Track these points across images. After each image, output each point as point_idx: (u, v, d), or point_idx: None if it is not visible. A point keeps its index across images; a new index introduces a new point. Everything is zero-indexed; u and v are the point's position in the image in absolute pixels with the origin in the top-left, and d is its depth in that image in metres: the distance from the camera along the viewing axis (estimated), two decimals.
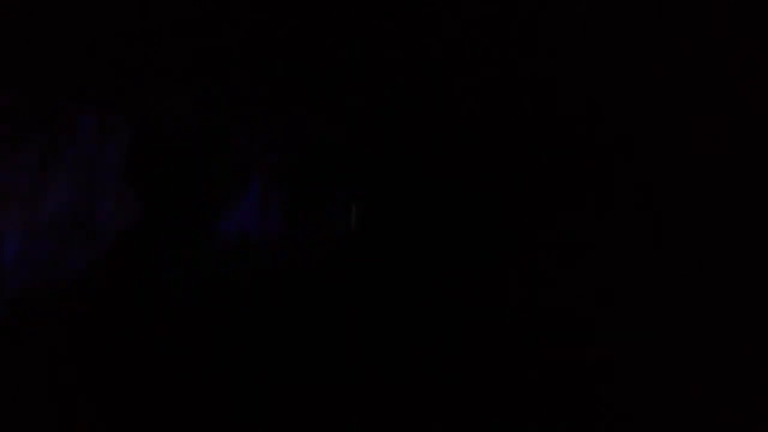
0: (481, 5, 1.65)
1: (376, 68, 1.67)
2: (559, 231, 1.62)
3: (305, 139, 1.67)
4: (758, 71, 1.58)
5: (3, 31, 1.60)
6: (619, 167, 1.62)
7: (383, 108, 1.67)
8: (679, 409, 1.54)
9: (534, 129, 1.64)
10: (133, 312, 1.48)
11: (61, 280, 1.50)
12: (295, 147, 1.67)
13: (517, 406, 1.56)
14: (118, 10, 1.63)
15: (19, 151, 1.59)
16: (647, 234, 1.61)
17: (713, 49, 1.60)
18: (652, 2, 1.62)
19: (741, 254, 1.57)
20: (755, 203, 1.57)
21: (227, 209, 1.61)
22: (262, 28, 1.66)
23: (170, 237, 1.48)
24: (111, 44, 1.65)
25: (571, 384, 1.56)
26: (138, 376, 1.47)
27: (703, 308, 1.57)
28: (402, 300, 1.61)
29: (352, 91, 1.67)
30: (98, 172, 1.61)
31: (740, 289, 1.56)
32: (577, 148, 1.63)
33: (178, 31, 1.65)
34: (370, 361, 1.58)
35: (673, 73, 1.63)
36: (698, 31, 1.60)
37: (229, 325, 1.55)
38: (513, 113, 1.64)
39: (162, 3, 1.62)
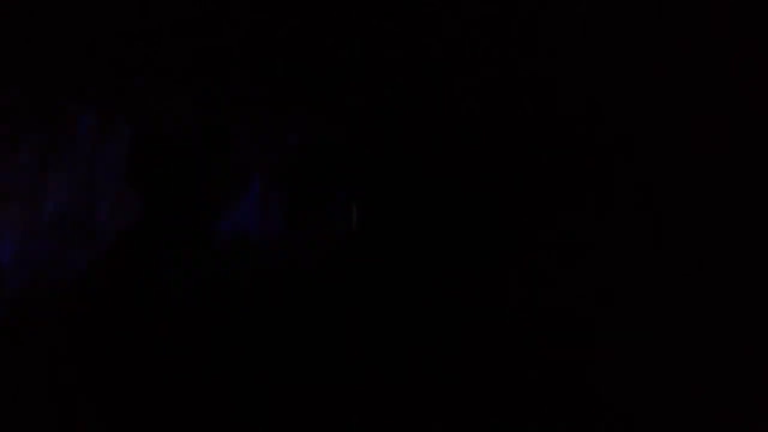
0: (481, 5, 1.65)
1: (376, 68, 1.67)
2: (559, 231, 1.62)
3: (305, 139, 1.67)
4: (758, 71, 1.58)
5: (3, 31, 1.60)
6: (619, 167, 1.62)
7: (383, 108, 1.67)
8: (679, 409, 1.54)
9: (534, 129, 1.64)
10: (133, 312, 1.48)
11: (60, 280, 1.50)
12: (295, 147, 1.67)
13: (517, 406, 1.56)
14: (118, 10, 1.63)
15: (19, 151, 1.59)
16: (647, 234, 1.61)
17: (713, 49, 1.60)
18: (652, 2, 1.62)
19: (741, 254, 1.57)
20: (755, 203, 1.57)
21: (227, 209, 1.61)
22: (262, 28, 1.66)
23: (170, 237, 1.48)
24: (111, 44, 1.65)
25: (571, 384, 1.56)
26: (138, 375, 1.47)
27: (703, 308, 1.57)
28: (402, 300, 1.61)
29: (352, 91, 1.67)
30: (98, 172, 1.61)
31: (740, 289, 1.56)
32: (577, 148, 1.63)
33: (178, 31, 1.65)
34: (370, 361, 1.58)
35: (673, 73, 1.62)
36: (698, 31, 1.60)
37: (229, 325, 1.55)
38: (513, 113, 1.64)
39: (162, 3, 1.62)
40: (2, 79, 1.61)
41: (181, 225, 1.49)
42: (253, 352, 1.55)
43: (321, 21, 1.66)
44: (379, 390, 1.57)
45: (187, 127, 1.52)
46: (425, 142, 1.66)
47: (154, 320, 1.50)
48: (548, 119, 1.64)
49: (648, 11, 1.62)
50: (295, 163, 1.67)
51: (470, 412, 1.56)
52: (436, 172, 1.65)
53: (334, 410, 1.55)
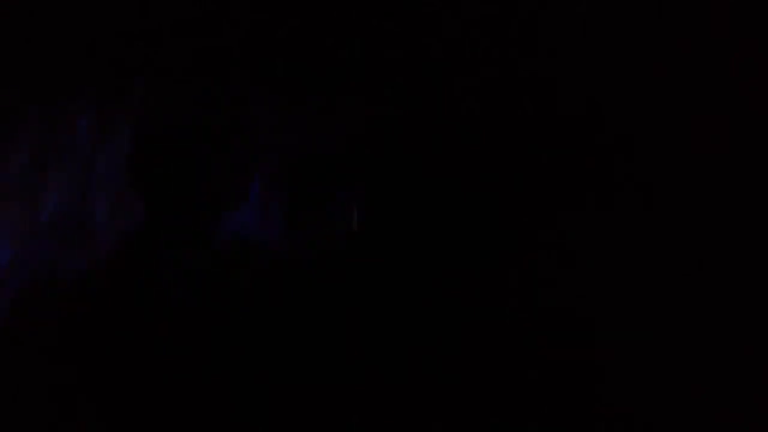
0: (481, 5, 1.64)
1: (376, 68, 1.67)
2: (559, 231, 1.62)
3: (305, 139, 1.67)
4: (758, 71, 1.58)
5: (2, 31, 1.60)
6: (619, 167, 1.62)
7: (383, 108, 1.67)
8: (679, 409, 1.54)
9: (534, 129, 1.64)
10: (133, 312, 1.48)
11: (60, 280, 1.50)
12: (295, 147, 1.67)
13: (517, 406, 1.56)
14: (118, 10, 1.62)
15: (18, 151, 1.59)
16: (647, 234, 1.61)
17: (713, 49, 1.60)
18: (652, 2, 1.62)
19: (741, 254, 1.57)
20: (755, 203, 1.57)
21: (227, 209, 1.61)
22: (262, 28, 1.66)
23: (170, 237, 1.48)
24: (111, 44, 1.65)
25: (571, 384, 1.56)
26: (138, 376, 1.47)
27: (703, 308, 1.57)
28: (402, 300, 1.61)
29: (351, 91, 1.67)
30: (98, 173, 1.61)
31: (740, 289, 1.56)
32: (577, 148, 1.63)
33: (178, 31, 1.65)
34: (369, 361, 1.58)
35: (673, 73, 1.63)
36: (698, 31, 1.60)
37: (229, 325, 1.55)
38: (513, 113, 1.64)
39: (162, 3, 1.62)
40: (1, 79, 1.60)
41: (181, 225, 1.49)
42: (253, 352, 1.55)
43: (321, 21, 1.66)
44: (379, 390, 1.57)
45: (188, 127, 1.52)
46: (425, 142, 1.66)
47: (154, 320, 1.50)
48: (548, 119, 1.64)
49: (648, 11, 1.62)
50: (295, 163, 1.67)
51: (470, 412, 1.56)
52: (435, 172, 1.65)
53: (334, 410, 1.55)
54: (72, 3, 1.60)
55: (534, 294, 1.60)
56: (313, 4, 1.65)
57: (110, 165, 1.59)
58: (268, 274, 1.59)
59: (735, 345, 1.54)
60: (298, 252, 1.64)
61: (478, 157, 1.65)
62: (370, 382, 1.57)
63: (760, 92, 1.58)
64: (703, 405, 1.53)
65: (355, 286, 1.61)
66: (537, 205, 1.63)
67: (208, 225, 1.53)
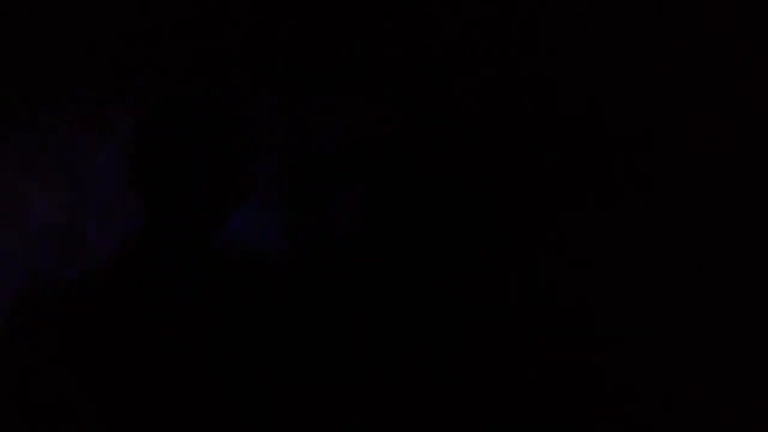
0: (481, 5, 1.65)
1: (376, 68, 1.67)
2: (559, 231, 1.62)
3: (305, 139, 1.67)
4: (758, 71, 1.58)
5: (2, 31, 1.60)
6: (619, 167, 1.62)
7: (383, 108, 1.67)
8: (679, 409, 1.54)
9: (534, 129, 1.64)
10: (133, 312, 1.48)
11: (60, 281, 1.50)
12: (295, 147, 1.67)
13: (517, 406, 1.56)
14: (118, 11, 1.62)
15: (15, 151, 1.59)
16: (647, 234, 1.61)
17: (713, 49, 1.60)
18: (652, 2, 1.62)
19: (741, 254, 1.57)
20: (756, 203, 1.57)
21: (228, 209, 1.61)
22: (262, 28, 1.66)
23: (170, 237, 1.48)
24: (111, 44, 1.65)
25: (571, 384, 1.56)
26: (138, 376, 1.47)
27: (703, 308, 1.57)
28: (402, 300, 1.61)
29: (351, 91, 1.67)
30: (89, 174, 1.61)
31: (740, 289, 1.56)
32: (577, 148, 1.63)
33: (178, 32, 1.65)
34: (369, 361, 1.58)
35: (673, 73, 1.63)
36: (698, 31, 1.60)
37: (229, 325, 1.55)
38: (513, 113, 1.64)
39: (162, 3, 1.62)
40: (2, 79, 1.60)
41: (181, 226, 1.49)
42: (253, 352, 1.55)
43: (321, 21, 1.66)
44: (379, 390, 1.57)
45: (187, 127, 1.52)
46: (425, 142, 1.66)
47: (154, 320, 1.50)
48: (548, 119, 1.64)
49: (648, 11, 1.62)
50: (295, 163, 1.67)
51: (470, 412, 1.56)
52: (436, 172, 1.65)
53: (334, 410, 1.55)
54: (72, 3, 1.60)
55: (534, 294, 1.60)
56: (313, 4, 1.65)
57: (101, 166, 1.59)
58: (268, 274, 1.59)
59: (735, 345, 1.54)
60: (298, 252, 1.64)
61: (478, 157, 1.65)
62: (370, 382, 1.57)
63: (760, 92, 1.58)
64: (703, 405, 1.53)
65: (355, 286, 1.61)
66: (537, 205, 1.63)
67: (207, 225, 1.53)
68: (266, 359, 1.54)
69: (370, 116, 1.66)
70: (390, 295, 1.61)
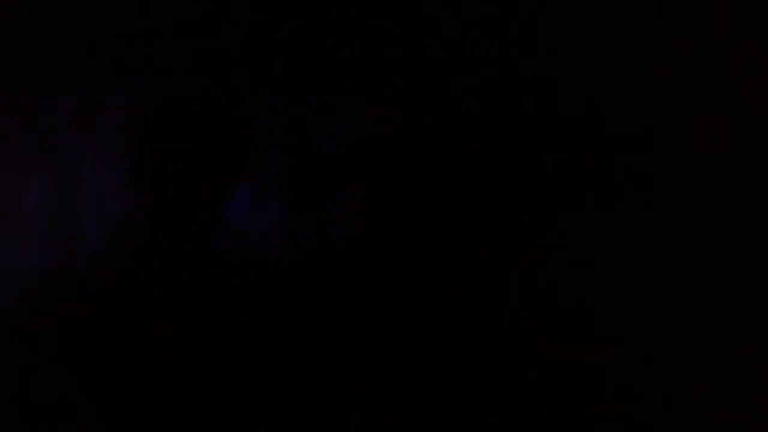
0: (481, 5, 1.65)
1: (376, 68, 1.67)
2: (559, 231, 1.62)
3: (305, 139, 1.67)
4: (758, 71, 1.58)
5: (2, 30, 1.60)
6: (619, 167, 1.62)
7: (383, 108, 1.67)
8: (679, 409, 1.54)
9: (534, 129, 1.64)
10: (133, 312, 1.48)
11: (60, 281, 1.50)
12: (295, 147, 1.67)
13: (517, 406, 1.56)
14: (118, 10, 1.62)
15: (14, 150, 1.59)
16: (647, 234, 1.61)
17: (713, 49, 1.60)
18: (652, 2, 1.62)
19: (741, 254, 1.57)
20: (756, 203, 1.57)
21: (228, 209, 1.61)
22: (262, 28, 1.66)
23: (169, 238, 1.48)
24: (111, 44, 1.65)
25: (571, 384, 1.56)
26: (138, 376, 1.47)
27: (703, 308, 1.57)
28: (402, 300, 1.61)
29: (351, 91, 1.67)
30: (82, 167, 1.60)
31: (740, 289, 1.56)
32: (577, 148, 1.63)
33: (178, 32, 1.65)
34: (369, 361, 1.58)
35: (673, 73, 1.63)
36: (698, 31, 1.60)
37: (229, 326, 1.55)
38: (513, 113, 1.64)
39: (162, 3, 1.62)
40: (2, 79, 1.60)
41: (181, 227, 1.49)
42: (253, 353, 1.55)
43: (321, 21, 1.66)
44: (380, 390, 1.57)
45: (187, 127, 1.52)
46: (425, 142, 1.66)
47: (154, 320, 1.50)
48: (548, 119, 1.64)
49: (648, 11, 1.62)
50: (295, 163, 1.67)
51: (470, 412, 1.56)
52: (436, 172, 1.65)
53: (334, 410, 1.55)
54: (72, 2, 1.60)
55: (534, 294, 1.60)
56: (313, 4, 1.65)
57: (100, 165, 1.59)
58: (267, 274, 1.59)
59: (735, 345, 1.54)
60: (298, 252, 1.65)
61: (479, 157, 1.65)
62: (371, 382, 1.57)
63: (760, 92, 1.58)
64: (703, 405, 1.53)
65: (355, 286, 1.61)
66: (537, 205, 1.63)
67: (207, 226, 1.53)
68: (266, 359, 1.54)
69: (370, 116, 1.66)
70: (390, 295, 1.61)
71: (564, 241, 1.61)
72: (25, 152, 1.58)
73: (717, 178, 1.60)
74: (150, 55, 1.65)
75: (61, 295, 1.48)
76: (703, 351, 1.55)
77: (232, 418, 1.49)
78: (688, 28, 1.61)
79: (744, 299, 1.56)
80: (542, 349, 1.57)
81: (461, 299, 1.61)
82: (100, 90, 1.61)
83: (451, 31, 1.65)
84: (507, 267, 1.61)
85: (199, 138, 1.44)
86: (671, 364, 1.56)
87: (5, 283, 1.57)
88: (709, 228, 1.59)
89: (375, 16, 1.65)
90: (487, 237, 1.63)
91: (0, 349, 1.47)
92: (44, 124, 1.59)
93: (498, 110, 1.65)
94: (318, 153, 1.67)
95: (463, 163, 1.65)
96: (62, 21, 1.61)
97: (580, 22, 1.63)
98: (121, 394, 1.45)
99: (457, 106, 1.66)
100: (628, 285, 1.59)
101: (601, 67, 1.64)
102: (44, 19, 1.61)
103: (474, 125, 1.66)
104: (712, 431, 1.52)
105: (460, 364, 1.58)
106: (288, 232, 1.65)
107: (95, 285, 1.49)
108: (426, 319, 1.60)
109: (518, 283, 1.60)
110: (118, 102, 1.62)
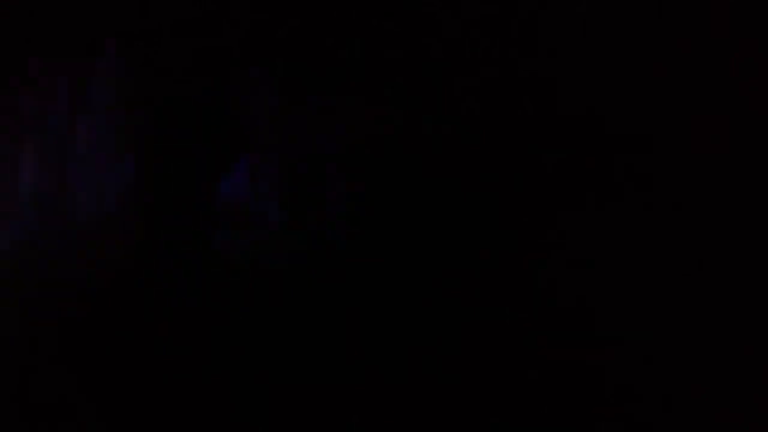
0: (481, 5, 1.64)
1: (376, 68, 1.67)
2: (559, 231, 1.62)
3: (305, 139, 1.67)
4: (758, 71, 1.58)
5: (2, 30, 1.60)
6: (619, 167, 1.62)
7: (383, 108, 1.67)
8: (679, 409, 1.54)
9: (534, 129, 1.64)
10: (133, 312, 1.48)
11: (44, 260, 1.49)
12: (295, 147, 1.67)
13: (518, 406, 1.56)
14: (119, 10, 1.62)
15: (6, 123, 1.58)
16: (647, 234, 1.61)
17: (713, 49, 1.60)
18: (652, 2, 1.62)
19: (741, 254, 1.57)
20: (756, 203, 1.57)
21: (228, 209, 1.61)
22: (262, 28, 1.66)
23: (171, 246, 1.48)
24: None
25: (571, 384, 1.56)
26: (138, 377, 1.47)
27: (703, 308, 1.57)
28: (402, 300, 1.61)
29: (351, 91, 1.67)
30: (77, 146, 1.60)
31: (741, 289, 1.56)
32: (577, 148, 1.63)
33: (178, 32, 1.65)
34: (369, 361, 1.58)
35: (673, 73, 1.63)
36: (698, 31, 1.60)
37: (228, 326, 1.55)
38: (513, 113, 1.64)
39: (162, 3, 1.62)
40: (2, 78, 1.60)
41: (181, 228, 1.49)
42: (253, 353, 1.55)
43: (321, 21, 1.66)
44: (379, 390, 1.57)
45: (187, 127, 1.52)
46: (425, 142, 1.66)
47: (154, 320, 1.50)
48: (548, 119, 1.64)
49: (648, 11, 1.62)
50: (295, 163, 1.67)
51: (470, 412, 1.56)
52: (436, 172, 1.65)
53: (334, 410, 1.55)
54: (72, 2, 1.60)
55: (534, 294, 1.60)
56: (313, 4, 1.65)
57: (89, 140, 1.57)
58: (267, 274, 1.59)
59: (735, 345, 1.54)
60: (298, 252, 1.64)
61: (479, 157, 1.65)
62: (370, 382, 1.57)
63: (760, 92, 1.58)
64: (703, 405, 1.53)
65: (355, 286, 1.61)
66: (537, 205, 1.63)
67: (207, 226, 1.53)
68: (266, 359, 1.54)
69: (370, 116, 1.66)
70: (390, 295, 1.61)
71: (564, 241, 1.61)
72: (17, 131, 1.58)
73: (717, 178, 1.60)
74: (150, 55, 1.65)
75: (61, 295, 1.48)
76: (703, 351, 1.55)
77: (232, 418, 1.49)
78: (688, 28, 1.61)
79: (744, 299, 1.56)
80: (542, 349, 1.57)
81: (461, 299, 1.61)
82: (77, 59, 1.59)
83: (451, 31, 1.65)
84: (507, 267, 1.61)
85: (198, 139, 1.44)
86: (671, 364, 1.56)
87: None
88: (709, 228, 1.59)
89: (375, 16, 1.65)
90: (487, 237, 1.63)
91: (0, 349, 1.47)
92: (37, 103, 1.58)
93: (498, 110, 1.65)
94: (318, 153, 1.67)
95: (463, 163, 1.65)
96: (62, 19, 1.61)
97: (580, 22, 1.63)
98: (121, 394, 1.45)
99: (457, 106, 1.66)
100: (628, 285, 1.59)
101: (601, 67, 1.64)
102: (43, 17, 1.61)
103: (474, 125, 1.65)
104: (712, 431, 1.52)
105: (459, 364, 1.58)
106: (287, 231, 1.65)
107: (95, 285, 1.49)
108: (426, 319, 1.60)
109: (518, 283, 1.60)
110: (109, 75, 1.61)
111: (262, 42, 1.67)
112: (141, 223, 1.50)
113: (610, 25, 1.64)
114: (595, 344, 1.58)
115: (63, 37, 1.58)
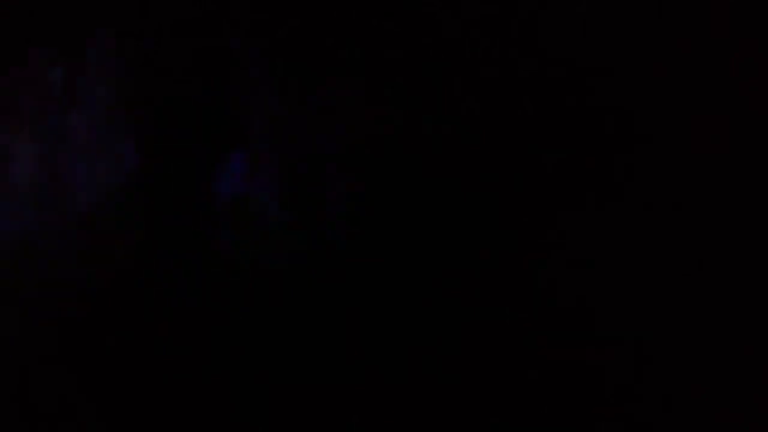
0: (481, 5, 1.64)
1: (376, 68, 1.67)
2: (559, 231, 1.62)
3: (305, 139, 1.67)
4: (758, 71, 1.58)
5: (2, 31, 1.60)
6: (619, 167, 1.62)
7: (383, 108, 1.67)
8: (680, 409, 1.54)
9: (534, 129, 1.64)
10: (133, 312, 1.48)
11: (39, 243, 1.49)
12: (295, 147, 1.67)
13: (518, 406, 1.56)
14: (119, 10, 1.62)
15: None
16: (647, 234, 1.61)
17: (713, 49, 1.60)
18: (652, 2, 1.62)
19: (741, 254, 1.57)
20: (756, 203, 1.57)
21: (228, 209, 1.61)
22: (262, 28, 1.66)
23: (172, 247, 1.48)
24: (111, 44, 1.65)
25: (571, 384, 1.56)
26: (137, 377, 1.47)
27: (703, 308, 1.57)
28: (402, 300, 1.61)
29: (351, 91, 1.67)
30: (73, 131, 1.59)
31: (740, 289, 1.56)
32: (577, 148, 1.63)
33: (178, 32, 1.65)
34: (369, 360, 1.58)
35: (673, 73, 1.63)
36: (698, 31, 1.60)
37: (229, 327, 1.55)
38: (513, 113, 1.64)
39: (162, 3, 1.62)
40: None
41: (181, 230, 1.49)
42: (253, 353, 1.55)
43: (321, 21, 1.66)
44: (379, 390, 1.57)
45: (187, 127, 1.52)
46: (425, 142, 1.66)
47: (154, 320, 1.50)
48: (548, 119, 1.64)
49: (648, 11, 1.62)
50: (295, 163, 1.67)
51: (470, 412, 1.56)
52: (436, 172, 1.65)
53: (334, 410, 1.55)
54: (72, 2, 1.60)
55: (534, 294, 1.60)
56: (313, 4, 1.65)
57: (85, 124, 1.57)
58: (267, 274, 1.59)
59: (735, 345, 1.54)
60: (297, 252, 1.64)
61: (478, 157, 1.65)
62: (370, 381, 1.57)
63: (760, 92, 1.58)
64: (703, 405, 1.53)
65: (355, 286, 1.61)
66: (537, 205, 1.63)
67: (207, 226, 1.53)
68: (266, 359, 1.54)
69: (370, 116, 1.66)
70: (390, 295, 1.61)
71: (564, 241, 1.61)
72: (13, 120, 1.57)
73: (717, 178, 1.60)
74: (150, 55, 1.65)
75: (61, 295, 1.48)
76: (703, 351, 1.55)
77: (232, 418, 1.49)
78: (688, 28, 1.61)
79: (744, 299, 1.56)
80: (542, 349, 1.57)
81: (461, 299, 1.61)
82: (71, 45, 1.58)
83: (451, 31, 1.65)
84: (507, 267, 1.61)
85: (199, 139, 1.44)
86: (671, 364, 1.56)
87: None
88: (709, 228, 1.59)
89: (375, 16, 1.65)
90: (487, 237, 1.63)
91: (0, 349, 1.47)
92: (32, 92, 1.58)
93: (498, 110, 1.65)
94: (318, 153, 1.67)
95: (463, 163, 1.65)
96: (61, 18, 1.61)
97: (580, 23, 1.63)
98: (121, 394, 1.45)
99: (457, 106, 1.66)
100: (628, 285, 1.59)
101: (600, 68, 1.64)
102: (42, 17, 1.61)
103: (474, 125, 1.65)
104: (712, 431, 1.52)
105: (460, 364, 1.58)
106: (287, 232, 1.65)
107: (95, 285, 1.49)
108: (426, 319, 1.60)
109: (518, 283, 1.60)
110: (103, 64, 1.60)
111: (262, 42, 1.67)
112: (141, 222, 1.50)
113: (610, 25, 1.64)
114: (595, 344, 1.58)
115: (60, 28, 1.58)
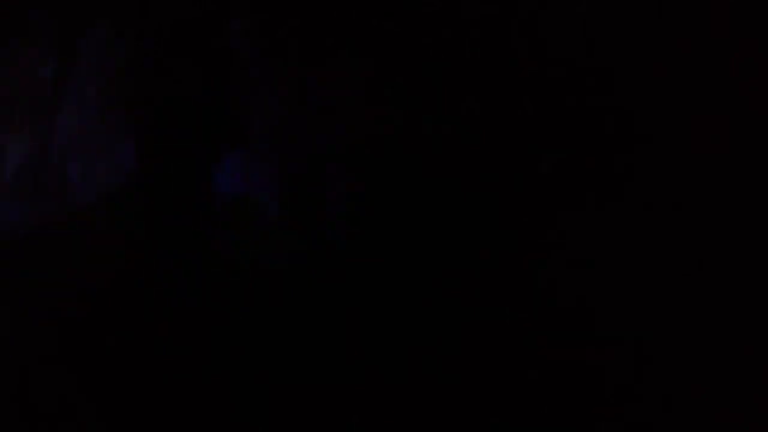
0: (481, 5, 1.64)
1: (376, 68, 1.67)
2: (559, 231, 1.62)
3: (305, 139, 1.67)
4: (758, 71, 1.58)
5: (3, 31, 1.60)
6: (619, 167, 1.62)
7: (383, 108, 1.67)
8: (680, 409, 1.54)
9: (534, 129, 1.64)
10: (133, 312, 1.48)
11: (33, 236, 1.49)
12: (295, 146, 1.67)
13: (518, 406, 1.56)
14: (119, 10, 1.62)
15: None
16: (647, 234, 1.61)
17: (713, 49, 1.60)
18: (652, 2, 1.62)
19: (741, 254, 1.57)
20: (756, 203, 1.57)
21: (228, 209, 1.61)
22: (262, 28, 1.66)
23: (171, 248, 1.48)
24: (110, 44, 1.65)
25: (571, 384, 1.56)
26: (137, 377, 1.47)
27: (703, 308, 1.57)
28: (402, 300, 1.61)
29: (351, 91, 1.67)
30: (64, 126, 1.59)
31: (740, 289, 1.56)
32: (577, 148, 1.63)
33: (178, 32, 1.65)
34: (369, 360, 1.58)
35: (673, 73, 1.63)
36: (698, 31, 1.60)
37: (228, 327, 1.55)
38: (513, 113, 1.64)
39: (162, 3, 1.62)
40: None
41: (181, 232, 1.49)
42: (253, 354, 1.55)
43: (321, 21, 1.66)
44: (379, 390, 1.57)
45: (187, 127, 1.52)
46: (425, 142, 1.66)
47: (154, 320, 1.50)
48: (548, 119, 1.64)
49: (648, 11, 1.62)
50: (294, 162, 1.67)
51: (470, 412, 1.56)
52: (436, 172, 1.65)
53: (334, 410, 1.55)
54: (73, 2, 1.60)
55: (534, 294, 1.60)
56: (313, 4, 1.65)
57: (77, 118, 1.56)
58: (267, 274, 1.59)
59: (735, 345, 1.54)
60: (297, 252, 1.64)
61: (479, 157, 1.65)
62: (370, 381, 1.57)
63: (760, 92, 1.58)
64: (703, 405, 1.53)
65: (355, 286, 1.61)
66: (537, 205, 1.63)
67: (207, 226, 1.53)
68: (266, 359, 1.54)
69: (370, 116, 1.66)
70: (390, 294, 1.61)
71: (564, 241, 1.61)
72: (6, 112, 1.57)
73: (717, 178, 1.60)
74: (150, 55, 1.65)
75: (61, 294, 1.48)
76: (703, 351, 1.55)
77: (232, 418, 1.49)
78: (688, 28, 1.61)
79: (744, 299, 1.56)
80: (542, 349, 1.57)
81: (461, 299, 1.61)
82: (63, 36, 1.58)
83: (451, 31, 1.65)
84: (507, 267, 1.61)
85: (198, 139, 1.44)
86: (671, 364, 1.56)
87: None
88: (709, 228, 1.59)
89: (375, 16, 1.65)
90: (487, 237, 1.63)
91: (0, 349, 1.47)
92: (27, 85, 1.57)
93: (498, 110, 1.65)
94: (318, 153, 1.67)
95: (463, 163, 1.65)
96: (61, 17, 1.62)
97: (580, 23, 1.63)
98: (121, 394, 1.45)
99: (457, 106, 1.66)
100: (628, 285, 1.59)
101: (600, 68, 1.64)
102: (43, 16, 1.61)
103: (474, 125, 1.65)
104: (712, 431, 1.52)
105: (459, 364, 1.58)
106: (288, 232, 1.65)
107: (95, 285, 1.49)
108: (426, 319, 1.60)
109: (518, 283, 1.60)
110: (94, 54, 1.60)
111: (262, 42, 1.67)
112: (141, 222, 1.50)
113: (610, 25, 1.64)
114: (595, 344, 1.58)
115: (55, 19, 1.58)
